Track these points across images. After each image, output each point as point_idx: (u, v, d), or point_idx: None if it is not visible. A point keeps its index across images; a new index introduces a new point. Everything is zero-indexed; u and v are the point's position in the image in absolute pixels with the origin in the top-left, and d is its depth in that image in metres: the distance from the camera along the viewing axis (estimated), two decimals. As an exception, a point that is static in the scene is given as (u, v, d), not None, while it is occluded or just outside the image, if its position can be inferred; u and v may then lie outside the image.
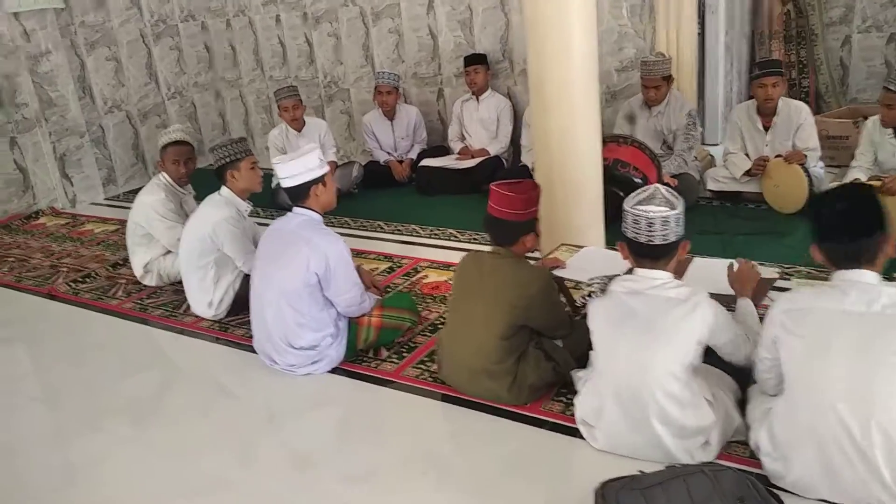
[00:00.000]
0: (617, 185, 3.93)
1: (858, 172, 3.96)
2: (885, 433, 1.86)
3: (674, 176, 4.49)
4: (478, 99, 5.56)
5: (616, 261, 3.36)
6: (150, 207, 3.94)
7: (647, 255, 2.21)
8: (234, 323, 3.62)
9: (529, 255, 2.78)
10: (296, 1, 6.50)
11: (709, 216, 4.38)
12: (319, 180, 2.96)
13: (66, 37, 5.99)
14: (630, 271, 2.33)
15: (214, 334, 3.56)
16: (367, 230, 4.83)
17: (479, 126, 5.60)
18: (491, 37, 5.63)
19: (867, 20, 6.34)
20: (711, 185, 4.61)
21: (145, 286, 4.15)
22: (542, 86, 3.40)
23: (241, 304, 3.61)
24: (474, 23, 5.66)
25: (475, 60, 5.45)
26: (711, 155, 5.16)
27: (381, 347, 3.19)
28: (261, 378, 3.11)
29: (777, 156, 4.32)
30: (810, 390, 1.95)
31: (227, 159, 3.53)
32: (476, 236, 4.48)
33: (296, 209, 3.01)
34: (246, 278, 3.60)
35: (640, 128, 4.75)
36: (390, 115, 5.82)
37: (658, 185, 2.23)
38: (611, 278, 2.34)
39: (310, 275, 2.90)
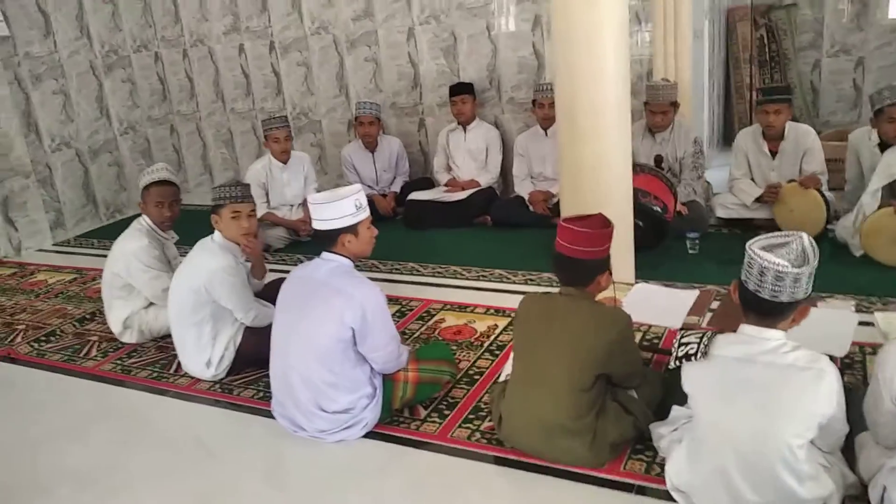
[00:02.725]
0: (638, 215, 3.74)
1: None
2: None
3: (683, 204, 4.35)
4: (465, 129, 5.33)
5: (674, 298, 3.18)
6: (131, 256, 3.50)
7: (765, 312, 1.93)
8: (239, 383, 3.21)
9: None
10: (262, 29, 6.16)
11: (724, 244, 4.25)
12: (350, 230, 2.62)
13: (9, 69, 5.48)
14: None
15: (217, 397, 3.14)
16: (360, 270, 4.44)
17: (468, 156, 5.37)
18: (476, 64, 5.42)
19: (836, 45, 6.45)
20: (720, 213, 4.49)
21: (123, 343, 3.68)
22: (574, 113, 3.20)
23: (244, 360, 3.23)
24: (459, 50, 5.45)
25: (462, 90, 5.23)
26: (708, 182, 5.05)
27: (417, 405, 2.85)
28: (284, 448, 2.72)
29: (790, 181, 4.23)
30: None
31: (213, 202, 3.19)
32: (484, 273, 4.20)
33: (324, 254, 2.67)
34: (248, 331, 3.23)
35: (644, 155, 4.59)
36: (371, 146, 5.52)
37: (802, 233, 1.93)
38: (709, 337, 2.06)
39: (344, 329, 2.55)
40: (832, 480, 1.97)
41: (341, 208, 2.57)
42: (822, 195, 4.10)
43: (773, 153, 4.35)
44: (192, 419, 3.03)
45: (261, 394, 3.08)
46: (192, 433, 2.93)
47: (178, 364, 3.35)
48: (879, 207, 3.71)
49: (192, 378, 3.28)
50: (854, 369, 2.76)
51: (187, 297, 3.16)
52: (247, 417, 2.96)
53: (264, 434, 2.82)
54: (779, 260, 1.84)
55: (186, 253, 3.30)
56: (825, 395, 1.88)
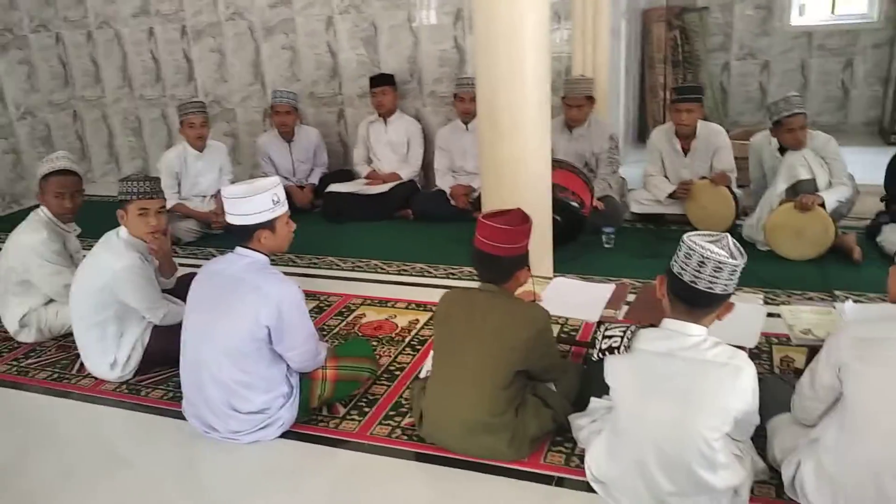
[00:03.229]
0: (556, 210, 3.79)
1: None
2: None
3: (599, 199, 4.43)
4: (385, 121, 5.26)
5: (591, 292, 3.22)
6: (29, 249, 3.28)
7: (696, 303, 1.96)
8: (147, 383, 3.06)
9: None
10: (173, 13, 5.90)
11: (638, 239, 4.36)
12: (267, 225, 2.50)
13: None
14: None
15: (124, 398, 2.97)
16: (276, 265, 4.32)
17: (388, 149, 5.30)
18: (397, 56, 5.36)
19: (744, 48, 6.74)
20: (635, 208, 4.61)
21: (20, 343, 3.45)
22: (494, 111, 3.18)
23: (153, 360, 3.08)
24: (379, 41, 5.37)
25: (382, 81, 5.16)
26: (623, 178, 5.17)
27: (335, 403, 2.79)
28: (197, 450, 2.60)
29: (702, 178, 4.37)
30: (879, 422, 1.84)
31: (119, 197, 3.01)
32: (405, 267, 4.16)
33: (238, 249, 2.56)
34: (157, 330, 3.08)
35: (561, 150, 4.65)
36: (288, 136, 5.38)
37: (727, 234, 1.98)
38: (633, 331, 2.09)
39: (259, 328, 2.45)
40: (744, 469, 2.04)
41: (258, 203, 2.46)
42: (732, 192, 4.27)
43: (686, 151, 4.49)
44: (97, 422, 2.87)
45: (170, 394, 2.94)
46: (99, 437, 2.78)
47: (81, 364, 3.16)
48: (781, 204, 3.89)
49: (97, 379, 3.10)
50: (762, 359, 2.88)
51: (89, 297, 2.98)
52: (156, 419, 2.83)
53: (176, 436, 2.70)
54: (720, 251, 1.89)
55: (91, 247, 3.11)
56: (742, 391, 1.93)
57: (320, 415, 2.74)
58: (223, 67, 5.92)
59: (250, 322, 2.44)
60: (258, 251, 2.54)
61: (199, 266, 2.98)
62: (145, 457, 2.62)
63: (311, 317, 3.51)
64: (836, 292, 3.40)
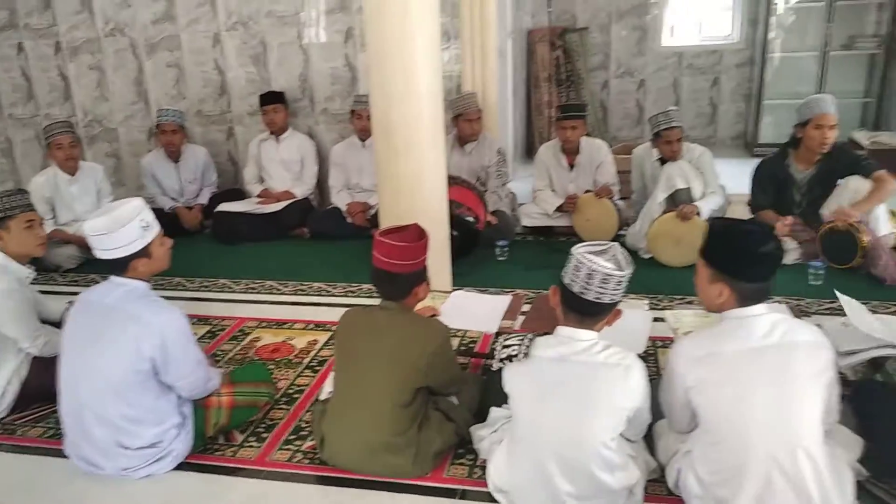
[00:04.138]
0: (453, 225, 3.86)
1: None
2: (811, 458, 1.92)
3: (492, 213, 4.55)
4: (277, 139, 5.19)
5: (488, 304, 3.30)
6: None
7: (586, 312, 2.05)
8: (24, 422, 2.85)
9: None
10: (46, 28, 5.59)
11: (530, 251, 4.50)
12: (142, 253, 2.37)
13: None
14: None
15: (-2, 440, 2.78)
16: (164, 289, 4.19)
17: (281, 167, 5.23)
18: (288, 74, 5.31)
19: (621, 67, 7.11)
20: (526, 221, 4.76)
21: None
22: (390, 128, 3.21)
23: (32, 396, 2.89)
24: (269, 58, 5.30)
25: (273, 99, 5.10)
26: (513, 192, 5.33)
27: (232, 430, 2.70)
28: (85, 490, 2.44)
29: (586, 191, 4.57)
30: (739, 433, 1.95)
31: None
32: (302, 287, 4.10)
33: (114, 279, 2.42)
34: (37, 361, 2.89)
35: (454, 166, 4.74)
36: (175, 156, 5.21)
37: (615, 243, 2.08)
38: (530, 339, 2.16)
39: (142, 360, 2.32)
40: (638, 469, 2.14)
41: (126, 235, 2.31)
42: (614, 204, 4.49)
43: (571, 166, 4.69)
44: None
45: (51, 431, 2.76)
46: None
47: (-53, 403, 2.92)
48: (662, 214, 4.12)
49: (-35, 418, 2.87)
50: (649, 363, 3.03)
51: (-47, 328, 2.76)
52: (37, 460, 2.64)
53: (60, 477, 2.52)
54: (607, 264, 1.98)
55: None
56: (632, 390, 2.03)
57: (217, 443, 2.64)
58: (103, 85, 5.66)
59: (132, 354, 2.31)
60: (136, 279, 2.42)
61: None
62: (26, 500, 2.44)
63: (204, 342, 3.46)
64: (713, 295, 3.62)
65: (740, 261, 1.99)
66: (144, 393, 2.38)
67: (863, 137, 5.88)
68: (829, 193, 3.92)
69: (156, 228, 2.44)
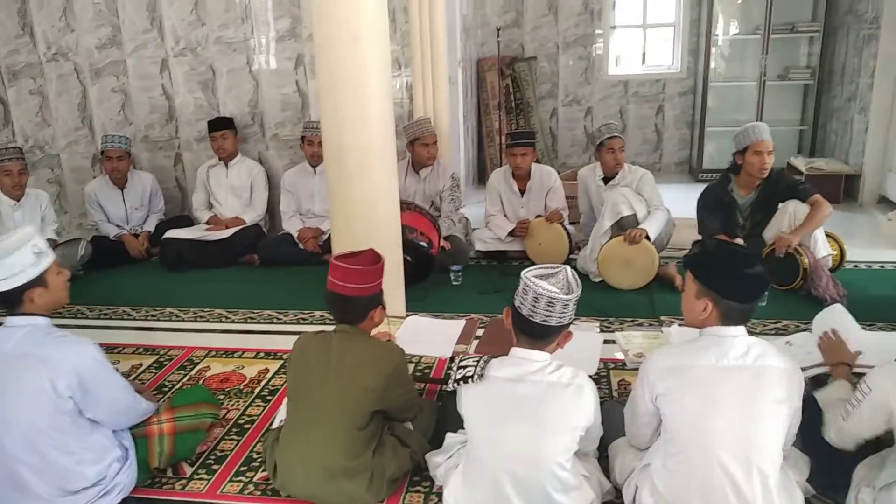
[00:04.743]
0: (406, 250, 3.86)
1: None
2: (765, 480, 1.97)
3: (446, 238, 4.56)
4: (227, 165, 5.13)
5: (442, 329, 3.28)
6: None
7: (535, 334, 2.08)
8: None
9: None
10: (-18, 51, 5.43)
11: (483, 275, 4.52)
12: (36, 283, 2.24)
13: None
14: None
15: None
16: (109, 319, 4.08)
17: (231, 193, 5.16)
18: (237, 100, 5.27)
19: (569, 95, 7.28)
20: (479, 246, 4.79)
21: None
22: (342, 153, 3.21)
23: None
24: (218, 84, 5.25)
25: (222, 125, 5.05)
26: (466, 218, 5.37)
27: (181, 462, 2.62)
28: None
29: (537, 216, 4.63)
30: (700, 445, 1.99)
31: None
32: (252, 314, 4.03)
33: (10, 320, 2.27)
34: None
35: (409, 192, 4.76)
36: (121, 183, 5.10)
37: (566, 266, 2.11)
38: (486, 360, 2.17)
39: (62, 400, 2.19)
40: (592, 489, 2.16)
41: (17, 262, 2.19)
42: (565, 228, 4.56)
43: (522, 191, 4.75)
44: None
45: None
46: None
47: None
48: (610, 239, 4.20)
49: None
50: (601, 384, 3.06)
51: None
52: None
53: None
54: (552, 287, 2.01)
55: None
56: (584, 407, 2.06)
57: (165, 476, 2.56)
58: (45, 110, 5.52)
59: (50, 397, 2.17)
60: (33, 314, 2.29)
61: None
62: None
63: (151, 372, 3.37)
64: (662, 317, 3.69)
65: (730, 280, 2.03)
66: (78, 432, 2.26)
67: (800, 163, 6.12)
68: (770, 217, 4.06)
69: (50, 256, 2.31)
